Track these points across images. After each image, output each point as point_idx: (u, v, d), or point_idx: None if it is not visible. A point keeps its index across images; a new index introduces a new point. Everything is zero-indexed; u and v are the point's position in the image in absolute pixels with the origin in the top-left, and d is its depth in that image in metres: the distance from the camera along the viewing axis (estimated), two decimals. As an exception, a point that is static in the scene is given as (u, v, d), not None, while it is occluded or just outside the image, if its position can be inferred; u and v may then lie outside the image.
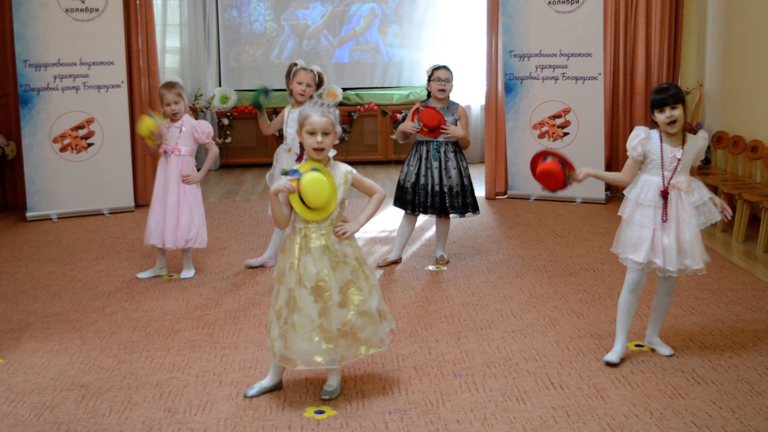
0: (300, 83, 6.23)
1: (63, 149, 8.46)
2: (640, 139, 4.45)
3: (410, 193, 6.48)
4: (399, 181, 6.57)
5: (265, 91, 6.45)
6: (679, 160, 4.42)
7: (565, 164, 4.56)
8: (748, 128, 8.10)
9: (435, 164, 6.40)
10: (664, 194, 4.43)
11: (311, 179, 4.00)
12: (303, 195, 4.00)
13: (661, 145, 4.44)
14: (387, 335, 4.29)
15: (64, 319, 5.51)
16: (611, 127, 9.19)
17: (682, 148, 4.44)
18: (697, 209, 4.48)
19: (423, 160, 6.43)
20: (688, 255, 4.46)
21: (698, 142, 4.50)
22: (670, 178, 4.43)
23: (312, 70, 6.27)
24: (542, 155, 4.64)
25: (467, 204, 6.49)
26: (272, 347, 4.18)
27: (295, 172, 4.04)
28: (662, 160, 4.43)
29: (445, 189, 6.41)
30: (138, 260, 6.84)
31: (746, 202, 7.12)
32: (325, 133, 4.06)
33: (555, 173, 4.54)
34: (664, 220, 4.43)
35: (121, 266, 6.71)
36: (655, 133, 4.47)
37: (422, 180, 6.43)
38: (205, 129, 6.28)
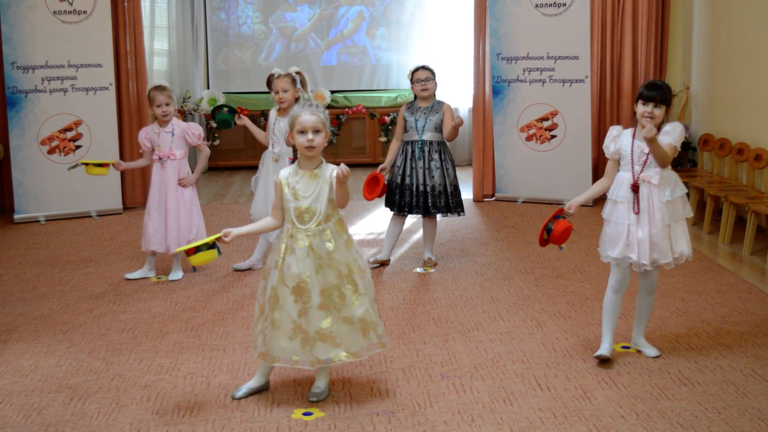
0: (276, 92, 6.23)
1: (51, 151, 8.45)
2: (612, 137, 4.58)
3: (396, 194, 6.50)
4: (387, 183, 6.59)
5: (227, 111, 6.67)
6: (647, 154, 4.47)
7: (560, 215, 4.60)
8: (734, 131, 8.15)
9: (420, 164, 6.43)
10: (634, 187, 4.48)
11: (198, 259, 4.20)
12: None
13: (633, 141, 4.50)
14: (371, 347, 4.26)
15: (51, 321, 5.50)
16: (598, 130, 9.22)
17: None
18: (667, 205, 4.51)
19: (408, 160, 6.46)
20: (655, 249, 4.52)
21: (663, 137, 4.52)
22: (640, 172, 4.48)
23: (280, 74, 6.23)
24: (544, 230, 4.62)
25: (450, 204, 6.51)
26: (255, 341, 4.21)
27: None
28: (632, 155, 4.49)
29: (428, 189, 6.43)
30: (126, 262, 6.84)
31: (732, 204, 7.16)
32: (316, 131, 4.06)
33: (566, 226, 4.55)
34: (636, 213, 4.48)
35: (109, 268, 6.71)
36: (627, 132, 4.55)
37: (407, 180, 6.45)
38: (195, 131, 6.31)
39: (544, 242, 4.64)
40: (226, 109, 6.77)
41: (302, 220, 4.08)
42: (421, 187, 6.43)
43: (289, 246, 4.10)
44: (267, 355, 4.15)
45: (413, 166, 6.45)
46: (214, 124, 11.33)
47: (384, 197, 6.62)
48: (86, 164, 6.35)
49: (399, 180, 6.49)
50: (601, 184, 4.71)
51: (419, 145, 6.44)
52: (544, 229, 4.59)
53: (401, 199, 6.49)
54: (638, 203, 4.50)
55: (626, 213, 4.53)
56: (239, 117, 6.61)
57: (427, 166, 6.43)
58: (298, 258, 4.07)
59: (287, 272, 4.07)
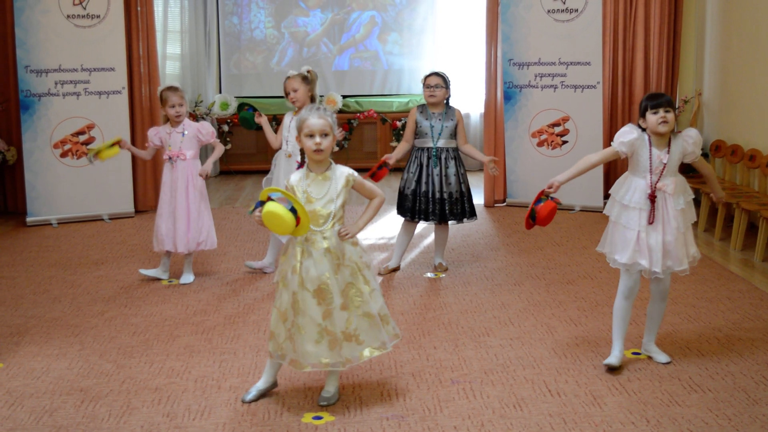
0: (288, 93, 6.27)
1: (63, 155, 8.48)
2: (633, 139, 4.50)
3: (410, 200, 6.48)
4: (400, 189, 6.57)
5: (247, 109, 6.67)
6: (665, 164, 4.47)
7: (541, 197, 4.63)
8: (746, 137, 8.13)
9: (435, 171, 6.41)
10: (652, 198, 4.48)
11: (267, 214, 3.92)
12: (267, 226, 3.97)
13: (650, 149, 4.48)
14: (390, 339, 4.29)
15: (63, 323, 5.52)
16: (610, 136, 9.18)
17: (668, 151, 4.48)
18: (682, 212, 4.52)
19: (423, 167, 6.44)
20: (670, 256, 4.52)
21: (680, 142, 4.52)
22: (657, 182, 4.48)
23: (292, 75, 6.28)
24: (529, 215, 4.63)
25: (465, 210, 6.51)
26: (278, 350, 4.20)
27: (259, 203, 3.98)
28: (651, 164, 4.48)
29: (445, 196, 6.42)
30: (138, 265, 6.85)
31: (744, 210, 7.14)
32: (324, 135, 4.08)
33: (551, 207, 4.57)
34: (650, 222, 4.48)
35: (121, 271, 6.73)
36: (646, 135, 4.51)
37: (423, 187, 6.43)
38: (208, 129, 6.36)
39: (530, 225, 4.65)
40: (246, 107, 6.82)
41: (317, 223, 4.10)
42: (438, 194, 6.41)
43: (306, 249, 4.11)
44: (297, 361, 4.16)
45: (429, 173, 6.43)
46: (225, 128, 11.39)
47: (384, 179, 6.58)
48: (98, 152, 6.31)
49: (414, 186, 6.46)
50: (588, 163, 4.63)
51: (435, 152, 6.43)
52: (529, 214, 4.61)
53: (416, 205, 6.46)
54: (653, 212, 4.49)
55: (637, 219, 4.52)
56: (259, 115, 6.63)
57: (444, 173, 6.42)
58: (315, 261, 4.08)
59: (306, 276, 4.08)
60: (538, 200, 4.62)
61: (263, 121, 6.59)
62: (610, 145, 4.66)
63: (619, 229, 4.60)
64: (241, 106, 6.93)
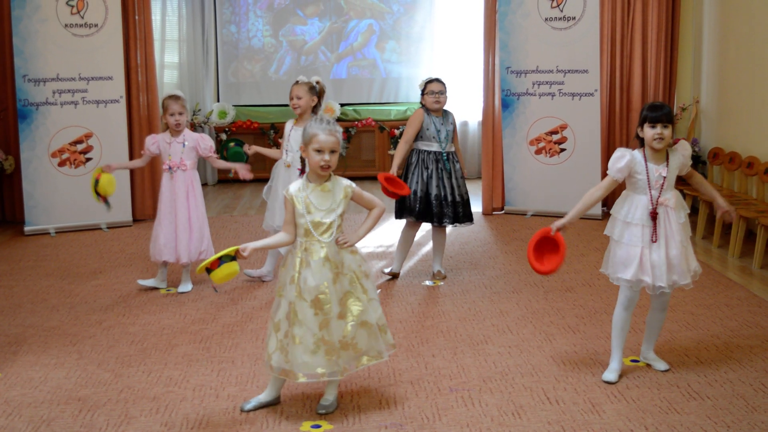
0: (291, 99, 6.28)
1: (61, 164, 8.48)
2: (627, 162, 4.47)
3: (422, 203, 6.40)
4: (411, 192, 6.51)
5: (234, 145, 6.76)
6: (665, 177, 4.46)
7: (546, 240, 4.63)
8: (744, 144, 8.14)
9: (445, 174, 6.39)
10: (653, 215, 4.46)
11: (223, 277, 4.26)
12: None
13: (646, 165, 4.47)
14: (387, 348, 4.30)
15: (61, 332, 5.51)
16: (608, 143, 9.22)
17: (667, 165, 4.48)
18: (683, 226, 4.52)
19: (433, 171, 6.39)
20: (675, 271, 4.50)
21: (678, 156, 4.52)
22: (658, 197, 4.47)
23: (301, 82, 6.30)
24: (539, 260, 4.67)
25: (469, 213, 6.54)
26: (269, 360, 4.19)
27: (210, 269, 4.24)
28: (648, 179, 4.46)
29: (458, 198, 6.42)
30: (136, 274, 6.85)
31: (742, 218, 7.15)
32: (332, 152, 4.10)
33: (560, 252, 4.59)
34: (654, 241, 4.45)
35: (119, 280, 6.72)
36: (638, 154, 4.50)
37: (435, 191, 6.37)
38: (208, 143, 6.35)
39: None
40: (233, 143, 6.87)
41: (318, 233, 4.10)
42: (450, 197, 6.41)
43: (304, 259, 4.10)
44: (290, 372, 4.15)
45: (440, 176, 6.39)
46: (224, 137, 11.38)
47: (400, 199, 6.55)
48: (100, 194, 6.32)
49: (426, 189, 6.40)
50: (591, 198, 4.62)
51: (445, 157, 6.42)
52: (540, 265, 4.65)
53: (428, 208, 6.39)
54: (656, 230, 4.47)
55: (639, 235, 4.49)
56: (249, 147, 6.63)
57: (459, 176, 6.46)
58: (314, 271, 4.08)
59: (304, 286, 4.08)
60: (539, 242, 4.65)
61: (256, 149, 6.59)
62: (609, 154, 4.65)
63: (622, 247, 4.55)
64: (227, 143, 7.00)
